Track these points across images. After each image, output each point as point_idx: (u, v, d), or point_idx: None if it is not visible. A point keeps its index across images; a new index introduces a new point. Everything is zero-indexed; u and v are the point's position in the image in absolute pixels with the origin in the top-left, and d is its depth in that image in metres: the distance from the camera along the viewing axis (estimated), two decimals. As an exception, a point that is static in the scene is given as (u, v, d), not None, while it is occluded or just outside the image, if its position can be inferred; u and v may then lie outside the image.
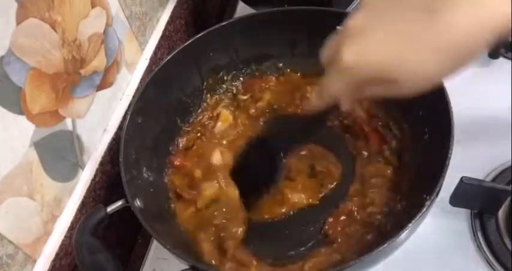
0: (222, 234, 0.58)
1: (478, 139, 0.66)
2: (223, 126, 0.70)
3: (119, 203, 0.54)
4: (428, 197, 0.48)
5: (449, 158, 0.50)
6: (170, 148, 0.68)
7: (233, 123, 0.71)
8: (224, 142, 0.69)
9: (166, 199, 0.63)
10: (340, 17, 0.64)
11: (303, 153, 0.66)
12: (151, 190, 0.61)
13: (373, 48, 0.37)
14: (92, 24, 0.59)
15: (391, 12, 0.37)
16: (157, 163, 0.64)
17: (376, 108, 0.67)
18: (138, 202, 0.54)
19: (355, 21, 0.39)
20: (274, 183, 0.62)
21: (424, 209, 0.48)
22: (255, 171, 0.63)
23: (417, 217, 0.47)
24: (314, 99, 0.46)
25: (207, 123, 0.71)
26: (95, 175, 0.61)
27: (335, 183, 0.63)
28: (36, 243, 0.54)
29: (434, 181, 0.49)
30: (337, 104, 0.45)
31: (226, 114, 0.71)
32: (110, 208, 0.54)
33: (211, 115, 0.72)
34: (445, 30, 0.34)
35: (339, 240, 0.57)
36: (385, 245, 0.46)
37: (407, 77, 0.37)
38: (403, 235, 0.47)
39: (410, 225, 0.47)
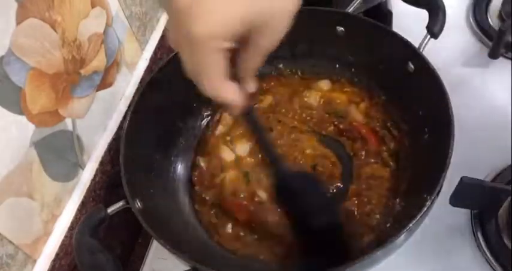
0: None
1: (478, 139, 0.66)
2: (224, 129, 0.70)
3: (120, 204, 0.54)
4: (429, 197, 0.48)
5: (450, 158, 0.50)
6: (171, 149, 0.68)
7: (234, 125, 0.70)
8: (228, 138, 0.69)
9: (167, 200, 0.63)
10: (340, 17, 0.66)
11: (308, 151, 0.66)
12: (152, 191, 0.61)
13: (219, 9, 0.35)
14: (92, 24, 0.59)
15: None
16: (158, 164, 0.64)
17: (374, 110, 0.67)
18: (138, 203, 0.54)
19: None
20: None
21: (425, 209, 0.48)
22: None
23: (418, 217, 0.47)
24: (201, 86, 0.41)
25: (208, 124, 0.71)
26: (95, 175, 0.61)
27: (335, 184, 0.63)
28: (36, 243, 0.54)
29: (434, 181, 0.49)
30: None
31: (227, 116, 0.71)
32: (111, 209, 0.54)
33: (211, 116, 0.71)
34: None
35: None
36: (386, 245, 0.46)
37: (274, 13, 0.38)
38: (403, 235, 0.47)
39: (411, 225, 0.47)
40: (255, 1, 0.36)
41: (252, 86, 0.44)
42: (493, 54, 0.74)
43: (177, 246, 0.51)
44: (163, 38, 0.76)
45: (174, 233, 0.59)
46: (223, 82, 0.41)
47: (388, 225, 0.56)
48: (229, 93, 0.42)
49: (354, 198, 0.60)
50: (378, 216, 0.58)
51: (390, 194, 0.59)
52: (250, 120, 0.50)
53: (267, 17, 0.38)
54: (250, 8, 0.36)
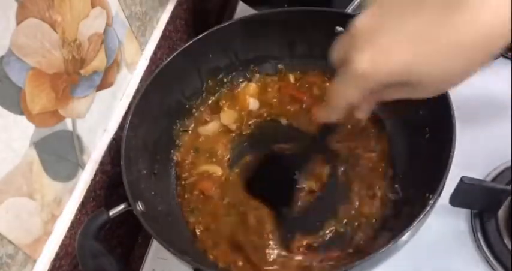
0: None
1: (478, 139, 0.66)
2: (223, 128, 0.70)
3: (121, 207, 0.54)
4: (431, 196, 0.48)
5: (452, 157, 0.50)
6: (171, 150, 0.68)
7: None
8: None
9: (169, 200, 0.63)
10: (340, 17, 0.66)
11: None
12: (153, 193, 0.61)
13: (389, 51, 0.34)
14: (92, 24, 0.59)
15: (405, 9, 0.34)
16: (158, 166, 0.64)
17: (374, 109, 0.67)
18: (140, 206, 0.54)
19: (365, 20, 0.36)
20: (291, 202, 0.60)
21: (428, 208, 0.48)
22: (269, 189, 0.60)
23: (421, 216, 0.47)
24: (327, 108, 0.42)
25: (205, 122, 0.71)
26: (95, 175, 0.61)
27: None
28: (36, 243, 0.54)
29: (437, 180, 0.49)
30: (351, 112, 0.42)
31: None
32: (112, 212, 0.53)
33: (212, 116, 0.71)
34: (468, 27, 0.32)
35: None
36: (389, 245, 0.46)
37: (429, 78, 0.35)
38: (406, 235, 0.47)
39: (414, 224, 0.47)
40: (416, 57, 0.34)
41: (363, 116, 0.45)
42: (493, 54, 0.74)
43: (180, 248, 0.51)
44: (163, 38, 0.76)
45: (177, 235, 0.59)
46: (343, 112, 0.42)
47: (390, 225, 0.56)
48: (337, 118, 0.43)
49: (356, 199, 0.60)
50: (378, 216, 0.58)
51: (392, 194, 0.59)
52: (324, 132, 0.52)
53: (419, 78, 0.36)
54: (409, 64, 0.35)
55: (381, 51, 0.35)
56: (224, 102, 0.71)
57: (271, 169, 0.61)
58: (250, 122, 0.70)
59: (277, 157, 0.62)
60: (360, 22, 0.36)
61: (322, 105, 0.43)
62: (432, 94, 0.37)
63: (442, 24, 0.33)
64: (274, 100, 0.71)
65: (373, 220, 0.58)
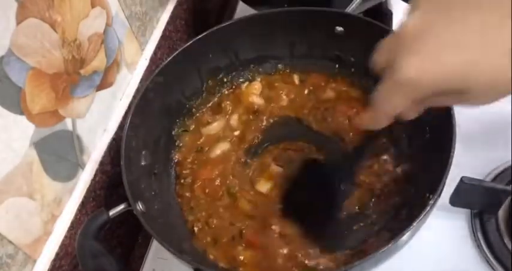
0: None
1: (478, 139, 0.66)
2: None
3: (121, 207, 0.54)
4: (431, 196, 0.48)
5: (452, 157, 0.50)
6: (171, 150, 0.68)
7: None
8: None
9: (169, 200, 0.63)
10: (340, 17, 0.66)
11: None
12: (153, 193, 0.61)
13: (438, 57, 0.32)
14: (92, 24, 0.59)
15: (456, 12, 0.32)
16: (158, 166, 0.64)
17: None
18: (140, 206, 0.54)
19: (412, 22, 0.33)
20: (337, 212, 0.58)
21: (428, 208, 0.48)
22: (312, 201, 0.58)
23: (421, 216, 0.47)
24: (372, 115, 0.40)
25: (207, 123, 0.71)
26: (95, 175, 0.61)
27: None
28: (36, 243, 0.54)
29: (437, 180, 0.49)
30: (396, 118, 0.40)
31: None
32: (112, 212, 0.53)
33: (213, 117, 0.71)
34: None
35: None
36: (389, 245, 0.46)
37: (482, 86, 0.32)
38: (406, 235, 0.47)
39: (414, 224, 0.47)
40: (468, 63, 0.32)
41: (410, 118, 0.42)
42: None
43: (180, 248, 0.51)
44: (163, 38, 0.76)
45: (177, 235, 0.59)
46: (390, 119, 0.39)
47: (390, 225, 0.56)
48: (381, 126, 0.41)
49: (357, 199, 0.60)
50: (379, 216, 0.58)
51: (393, 194, 0.59)
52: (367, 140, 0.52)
53: (470, 85, 0.33)
54: (460, 71, 0.32)
55: (429, 57, 0.32)
56: (227, 103, 0.71)
57: (313, 178, 0.58)
58: (254, 122, 0.70)
59: (317, 166, 0.60)
60: (407, 24, 0.34)
61: (366, 113, 0.41)
62: (485, 103, 0.35)
63: (496, 27, 0.30)
64: (279, 99, 0.71)
65: (374, 220, 0.58)
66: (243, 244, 0.58)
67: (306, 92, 0.71)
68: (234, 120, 0.70)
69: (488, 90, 0.33)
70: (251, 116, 0.70)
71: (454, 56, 0.32)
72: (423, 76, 0.33)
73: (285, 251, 0.56)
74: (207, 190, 0.63)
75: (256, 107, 0.70)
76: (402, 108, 0.37)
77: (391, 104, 0.37)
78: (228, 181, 0.64)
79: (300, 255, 0.56)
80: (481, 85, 0.33)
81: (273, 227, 0.58)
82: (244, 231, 0.59)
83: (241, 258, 0.57)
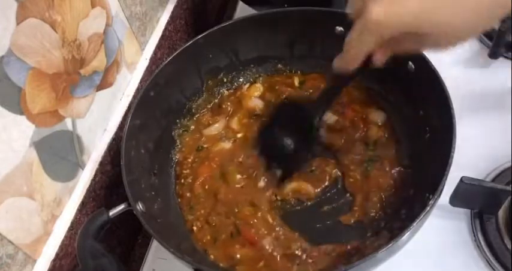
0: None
1: (478, 139, 0.66)
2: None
3: (121, 207, 0.54)
4: (431, 196, 0.48)
5: (452, 157, 0.50)
6: (171, 150, 0.68)
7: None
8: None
9: (169, 200, 0.63)
10: (340, 17, 0.66)
11: None
12: (153, 193, 0.61)
13: (401, 3, 0.37)
14: (92, 24, 0.59)
15: None
16: (158, 165, 0.64)
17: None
18: (140, 206, 0.54)
19: None
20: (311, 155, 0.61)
21: (428, 208, 0.48)
22: (285, 138, 0.62)
23: (421, 216, 0.47)
24: (344, 56, 0.45)
25: (207, 124, 0.71)
26: (95, 175, 0.61)
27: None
28: (36, 243, 0.54)
29: (437, 180, 0.49)
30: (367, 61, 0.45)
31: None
32: (112, 212, 0.54)
33: (214, 118, 0.71)
34: None
35: None
36: (389, 245, 0.46)
37: (442, 28, 0.37)
38: (406, 235, 0.47)
39: (414, 224, 0.47)
40: (431, 8, 0.37)
41: (380, 62, 0.46)
42: (493, 54, 0.74)
43: (180, 248, 0.51)
44: (163, 38, 0.76)
45: (177, 235, 0.59)
46: (360, 60, 0.44)
47: (390, 225, 0.56)
48: (354, 67, 0.45)
49: (357, 199, 0.60)
50: (379, 216, 0.58)
51: (393, 194, 0.59)
52: (340, 82, 0.55)
53: (432, 29, 0.38)
54: (423, 14, 0.37)
55: (394, 3, 0.38)
56: (228, 104, 0.71)
57: (288, 116, 0.62)
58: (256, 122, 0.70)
59: (291, 106, 0.64)
60: None
61: (339, 55, 0.46)
62: (446, 47, 0.39)
63: None
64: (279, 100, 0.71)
65: (374, 220, 0.58)
66: (240, 242, 0.58)
67: (306, 94, 0.71)
68: (235, 122, 0.70)
69: (447, 34, 0.38)
70: (251, 120, 0.70)
71: (412, 3, 0.37)
72: (390, 18, 0.38)
73: (281, 249, 0.57)
74: (206, 187, 0.64)
75: (257, 110, 0.70)
76: (369, 47, 0.42)
77: (361, 44, 0.42)
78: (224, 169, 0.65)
79: (296, 252, 0.56)
80: (441, 28, 0.38)
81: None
82: (240, 227, 0.59)
83: (238, 256, 0.57)
